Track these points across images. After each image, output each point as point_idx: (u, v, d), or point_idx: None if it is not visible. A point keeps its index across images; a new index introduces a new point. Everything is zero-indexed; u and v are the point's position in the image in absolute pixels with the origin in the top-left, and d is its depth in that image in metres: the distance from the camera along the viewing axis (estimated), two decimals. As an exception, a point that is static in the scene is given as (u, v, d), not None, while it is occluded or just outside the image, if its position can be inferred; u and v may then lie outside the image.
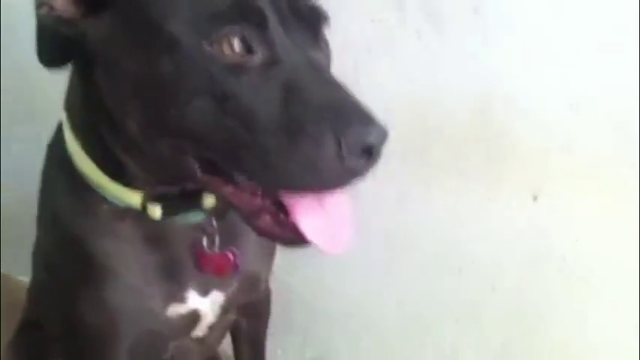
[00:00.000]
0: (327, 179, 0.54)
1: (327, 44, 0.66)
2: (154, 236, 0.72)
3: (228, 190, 0.59)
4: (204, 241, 0.73)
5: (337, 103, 0.54)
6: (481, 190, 0.94)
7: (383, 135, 0.54)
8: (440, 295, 1.05)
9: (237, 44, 0.54)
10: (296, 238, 0.58)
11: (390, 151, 0.92)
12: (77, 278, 0.73)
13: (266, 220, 0.59)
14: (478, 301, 1.02)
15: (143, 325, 0.75)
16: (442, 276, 1.03)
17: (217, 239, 0.73)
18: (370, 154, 0.53)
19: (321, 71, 0.57)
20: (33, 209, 0.79)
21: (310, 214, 0.57)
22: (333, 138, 0.52)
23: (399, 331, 1.14)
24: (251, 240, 0.79)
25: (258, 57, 0.55)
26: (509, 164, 0.92)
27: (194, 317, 0.78)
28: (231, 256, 0.74)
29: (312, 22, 0.62)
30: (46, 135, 0.77)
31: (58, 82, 0.70)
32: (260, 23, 0.55)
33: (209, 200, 0.70)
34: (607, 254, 0.89)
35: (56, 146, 0.74)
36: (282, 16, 0.57)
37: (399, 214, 1.03)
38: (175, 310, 0.75)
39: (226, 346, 1.04)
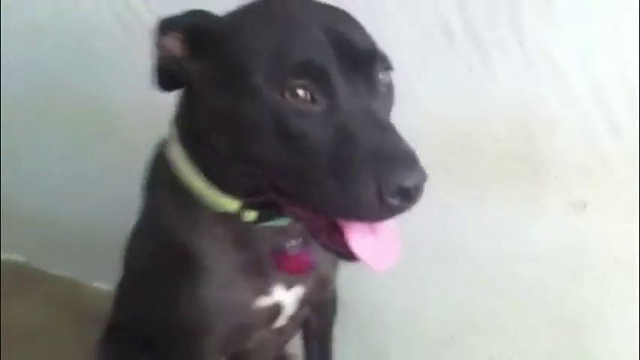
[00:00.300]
0: (368, 214, 0.62)
1: (386, 84, 0.72)
2: (243, 238, 0.81)
3: (295, 209, 0.70)
4: (288, 243, 0.82)
5: (382, 148, 0.62)
6: (525, 206, 1.02)
7: (420, 178, 0.61)
8: (487, 305, 1.12)
9: (302, 94, 0.65)
10: (347, 255, 0.67)
11: (439, 168, 1.02)
12: (177, 276, 0.83)
13: (323, 237, 0.69)
14: (524, 311, 1.09)
15: (234, 316, 0.84)
16: (489, 286, 1.10)
17: (299, 241, 0.82)
18: (408, 195, 0.60)
19: (373, 117, 0.65)
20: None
21: (360, 235, 0.67)
22: (374, 181, 0.60)
23: (448, 340, 1.21)
24: None
25: (320, 105, 0.65)
26: (552, 183, 0.99)
27: (277, 309, 0.87)
28: (309, 256, 0.83)
29: (369, 67, 0.69)
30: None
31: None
32: (321, 78, 0.65)
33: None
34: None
35: (159, 155, 0.86)
36: (343, 67, 0.66)
37: (446, 227, 1.11)
38: (262, 302, 0.85)
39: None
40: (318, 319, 1.09)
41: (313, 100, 0.65)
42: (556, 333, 1.07)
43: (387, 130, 0.65)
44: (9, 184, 1.87)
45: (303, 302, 0.92)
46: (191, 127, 0.77)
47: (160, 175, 0.85)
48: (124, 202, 1.56)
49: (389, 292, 1.24)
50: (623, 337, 1.00)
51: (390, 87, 0.74)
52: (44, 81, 1.50)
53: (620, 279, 0.98)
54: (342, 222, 0.67)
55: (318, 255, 0.87)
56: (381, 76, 0.71)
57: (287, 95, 0.64)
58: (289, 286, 0.86)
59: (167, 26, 0.72)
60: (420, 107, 1.04)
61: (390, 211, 0.62)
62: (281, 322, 0.91)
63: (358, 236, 0.67)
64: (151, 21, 0.72)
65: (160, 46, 0.72)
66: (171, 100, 0.79)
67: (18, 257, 1.97)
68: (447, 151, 1.04)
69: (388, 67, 0.72)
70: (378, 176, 0.60)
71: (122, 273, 1.09)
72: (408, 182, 0.60)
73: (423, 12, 0.98)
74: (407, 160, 0.61)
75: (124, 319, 1.11)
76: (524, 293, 1.07)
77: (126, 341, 1.07)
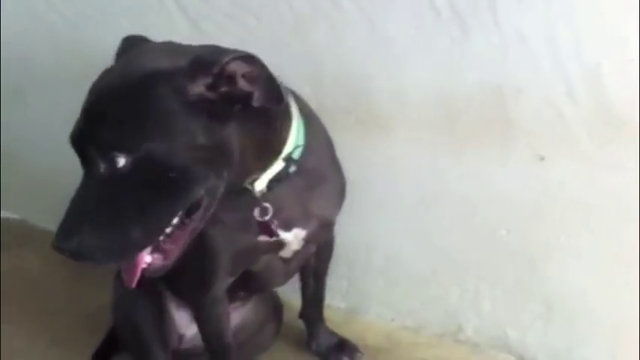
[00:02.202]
0: None
1: (101, 162, 0.78)
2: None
3: None
4: (256, 211, 0.97)
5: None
6: (495, 158, 1.21)
7: (57, 245, 0.78)
8: (464, 243, 1.32)
9: None
10: None
11: (425, 126, 1.21)
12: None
13: None
14: (493, 248, 1.28)
15: (242, 246, 1.02)
16: (465, 227, 1.30)
17: (269, 208, 0.96)
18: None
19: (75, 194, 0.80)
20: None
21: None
22: None
23: (429, 278, 1.40)
24: (327, 191, 1.07)
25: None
26: (517, 138, 1.17)
27: (279, 244, 1.04)
28: (273, 225, 0.98)
29: (88, 156, 0.79)
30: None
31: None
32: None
33: (257, 185, 0.94)
34: (596, 208, 1.16)
35: None
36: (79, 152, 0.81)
37: (429, 177, 1.30)
38: (264, 239, 1.01)
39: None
40: (316, 258, 1.26)
41: None
42: (520, 266, 1.27)
43: (70, 204, 0.80)
44: (9, 143, 1.96)
45: (308, 241, 1.08)
46: None
47: None
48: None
49: (376, 235, 1.42)
50: (574, 264, 1.22)
51: (123, 167, 0.77)
52: (56, 30, 1.61)
53: (573, 217, 1.19)
54: None
55: (324, 200, 1.06)
56: (120, 159, 0.76)
57: None
58: (290, 228, 1.03)
59: None
60: (412, 73, 1.22)
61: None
62: (287, 253, 1.08)
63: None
64: None
65: None
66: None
67: (15, 215, 2.07)
68: (433, 111, 1.22)
69: (115, 150, 0.77)
70: None
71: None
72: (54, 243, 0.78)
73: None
74: (59, 231, 0.78)
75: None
76: (493, 232, 1.27)
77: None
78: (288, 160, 0.95)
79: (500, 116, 1.18)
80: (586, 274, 1.21)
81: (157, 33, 0.94)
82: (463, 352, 1.39)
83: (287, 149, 0.94)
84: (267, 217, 0.96)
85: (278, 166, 0.94)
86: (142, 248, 0.83)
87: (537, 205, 1.20)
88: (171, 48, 0.86)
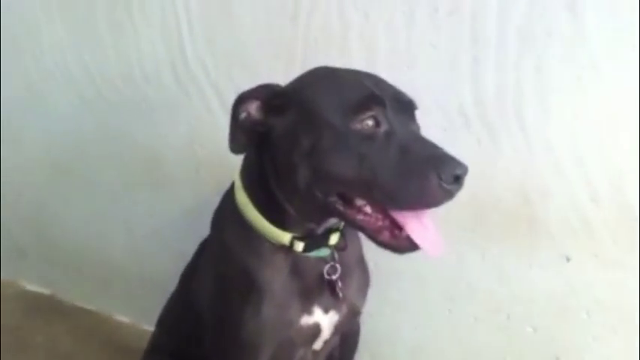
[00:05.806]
0: (433, 199, 0.85)
1: (417, 123, 0.98)
2: (296, 267, 1.02)
3: (359, 217, 0.91)
4: (326, 269, 1.03)
5: (435, 154, 0.87)
6: (521, 256, 1.25)
7: (465, 169, 0.85)
8: (489, 339, 1.33)
9: (370, 122, 0.88)
10: (409, 246, 0.89)
11: (453, 223, 1.24)
12: (241, 297, 1.02)
13: (385, 235, 0.90)
14: (522, 342, 1.30)
15: (283, 332, 1.03)
16: (490, 323, 1.32)
17: (338, 267, 1.04)
18: (459, 181, 0.85)
19: (420, 137, 0.91)
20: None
21: (417, 227, 0.89)
22: (435, 174, 0.84)
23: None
24: (356, 281, 1.11)
25: (382, 129, 0.89)
26: (544, 238, 1.21)
27: (316, 330, 1.07)
28: (337, 287, 1.04)
29: (409, 108, 0.96)
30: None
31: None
32: (382, 106, 0.89)
33: (333, 239, 1.02)
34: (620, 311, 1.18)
35: (227, 200, 1.07)
36: (393, 104, 0.91)
37: (456, 272, 1.33)
38: (305, 321, 1.04)
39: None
40: (342, 349, 1.27)
41: (377, 124, 0.89)
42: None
43: (431, 143, 0.89)
44: (39, 221, 2.03)
45: (337, 329, 1.11)
46: (262, 173, 0.98)
47: (230, 216, 1.05)
48: (150, 243, 1.75)
49: (401, 326, 1.44)
50: None
51: (417, 124, 0.99)
52: (100, 120, 1.71)
53: (599, 318, 1.21)
54: (400, 219, 0.88)
55: (352, 288, 1.09)
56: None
57: (358, 125, 0.88)
58: (326, 310, 1.06)
59: (247, 96, 0.95)
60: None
61: (447, 195, 0.85)
62: (318, 344, 1.10)
63: (416, 228, 0.89)
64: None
65: (244, 112, 0.95)
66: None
67: (44, 290, 2.11)
68: (461, 209, 1.27)
69: (416, 109, 0.98)
70: (438, 170, 0.84)
71: (176, 297, 1.28)
72: (459, 171, 0.84)
73: (445, 97, 1.23)
74: (454, 159, 0.86)
75: (166, 341, 1.28)
76: (519, 329, 1.29)
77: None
78: None
79: (526, 217, 1.22)
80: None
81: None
82: None
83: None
84: (334, 277, 1.04)
85: None
86: None
87: (563, 305, 1.23)
88: None
